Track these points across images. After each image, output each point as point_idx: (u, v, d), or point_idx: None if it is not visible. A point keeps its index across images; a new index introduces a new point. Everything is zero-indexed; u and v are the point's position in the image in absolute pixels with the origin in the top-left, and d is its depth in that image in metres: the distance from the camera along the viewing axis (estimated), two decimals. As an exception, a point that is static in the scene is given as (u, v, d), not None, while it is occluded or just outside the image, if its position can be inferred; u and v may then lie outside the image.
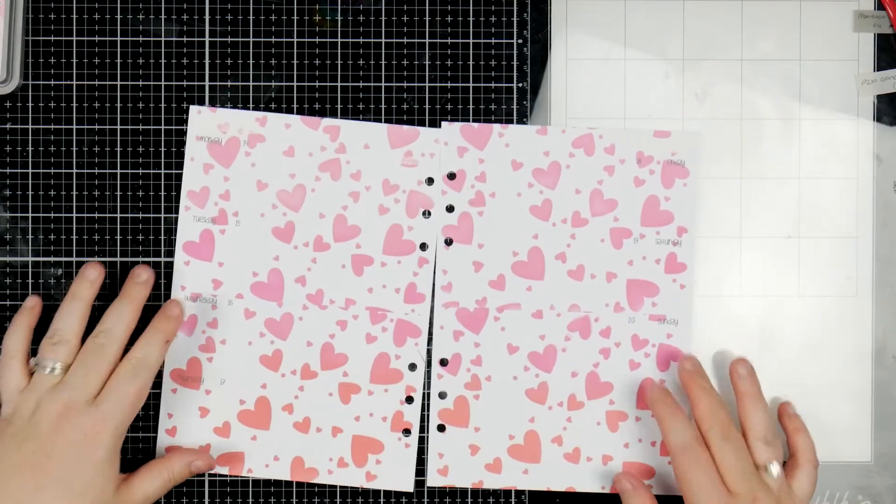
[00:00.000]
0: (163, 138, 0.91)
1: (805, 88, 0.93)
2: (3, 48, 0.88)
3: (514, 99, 0.92)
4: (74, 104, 0.91)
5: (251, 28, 0.92)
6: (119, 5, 0.91)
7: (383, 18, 0.92)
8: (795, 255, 0.93)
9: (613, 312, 0.91)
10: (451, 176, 0.91)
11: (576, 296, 0.91)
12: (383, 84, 0.92)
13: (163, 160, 0.91)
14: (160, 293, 0.91)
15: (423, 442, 0.92)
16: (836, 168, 0.93)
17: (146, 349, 0.85)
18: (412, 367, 0.91)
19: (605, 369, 0.91)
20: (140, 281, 0.88)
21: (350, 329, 0.91)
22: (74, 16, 0.91)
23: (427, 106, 0.92)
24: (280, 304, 0.91)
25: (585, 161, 0.91)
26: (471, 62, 0.92)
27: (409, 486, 0.92)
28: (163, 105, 0.91)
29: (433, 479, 0.92)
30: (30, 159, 0.91)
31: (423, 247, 0.91)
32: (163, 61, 0.91)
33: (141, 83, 0.91)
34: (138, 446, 0.92)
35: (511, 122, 0.92)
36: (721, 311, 0.93)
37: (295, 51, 0.92)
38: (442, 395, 0.92)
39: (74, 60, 0.91)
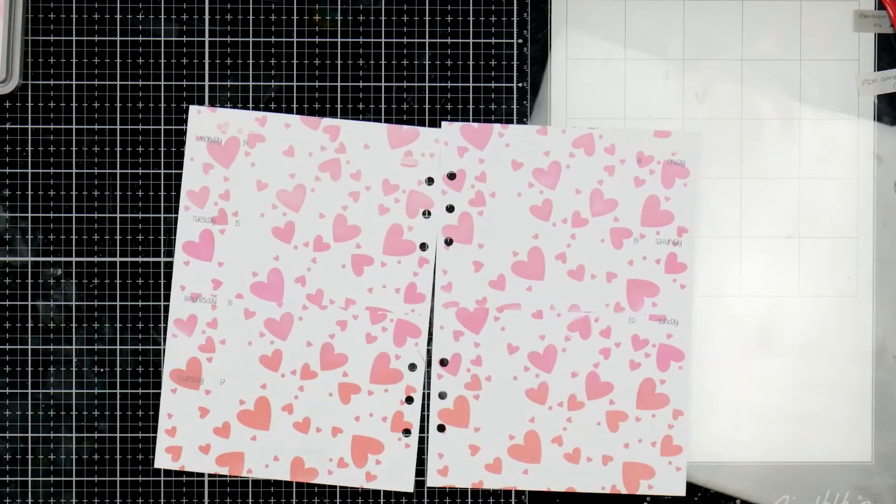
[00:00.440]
0: (162, 138, 0.91)
1: (805, 88, 0.93)
2: (3, 48, 0.88)
3: (514, 99, 0.92)
4: (74, 104, 0.91)
5: (251, 28, 0.92)
6: (119, 5, 0.91)
7: (383, 18, 0.92)
8: (795, 255, 0.93)
9: (613, 312, 0.91)
10: (451, 176, 0.91)
11: (576, 296, 0.91)
12: (383, 84, 0.92)
13: (162, 160, 0.91)
14: (160, 293, 0.91)
15: (423, 442, 0.92)
16: (836, 168, 0.93)
17: None
18: (412, 367, 0.91)
19: (605, 369, 0.91)
20: None
21: (350, 329, 0.91)
22: (74, 16, 0.91)
23: (427, 106, 0.92)
24: (280, 304, 0.91)
25: (585, 161, 0.91)
26: (471, 62, 0.92)
27: (409, 487, 0.92)
28: (163, 105, 0.91)
29: (433, 480, 0.92)
30: (29, 159, 0.91)
31: (423, 247, 0.91)
32: (163, 61, 0.91)
33: (141, 83, 0.91)
34: (138, 447, 0.92)
35: (511, 122, 0.92)
36: (721, 311, 0.93)
37: (295, 51, 0.92)
38: (442, 395, 0.92)
39: (74, 60, 0.91)
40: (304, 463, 0.92)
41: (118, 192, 0.91)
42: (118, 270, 0.92)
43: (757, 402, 0.93)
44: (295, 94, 0.92)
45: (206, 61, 0.92)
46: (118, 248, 0.91)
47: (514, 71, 0.92)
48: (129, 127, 0.91)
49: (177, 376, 0.91)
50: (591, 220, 0.91)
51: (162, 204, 0.91)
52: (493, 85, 0.92)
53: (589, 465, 0.92)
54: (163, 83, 0.91)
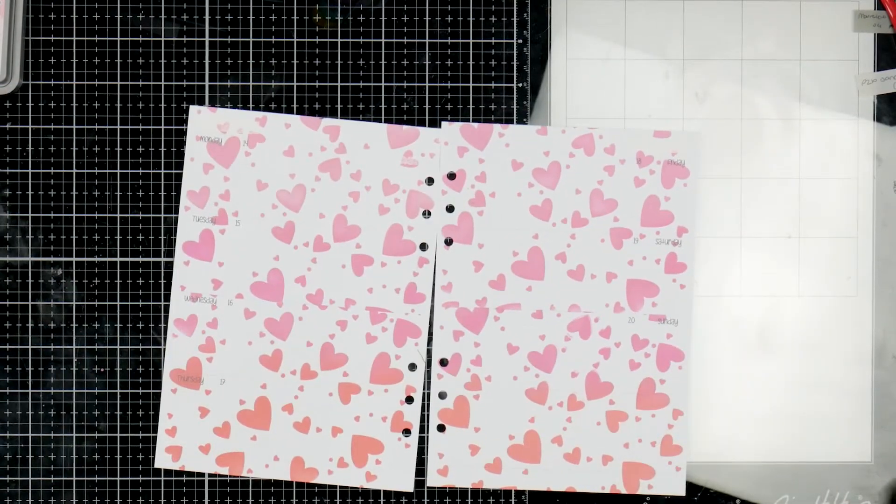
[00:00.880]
0: (163, 138, 0.91)
1: (805, 88, 0.93)
2: (3, 48, 0.88)
3: (514, 99, 0.92)
4: (74, 104, 0.91)
5: (251, 28, 0.92)
6: (119, 5, 0.91)
7: (383, 18, 0.92)
8: (795, 255, 0.93)
9: (613, 312, 0.91)
10: (451, 176, 0.91)
11: (576, 296, 0.91)
12: (383, 84, 0.92)
13: (163, 160, 0.91)
14: (160, 293, 0.91)
15: (423, 442, 0.92)
16: (836, 168, 0.93)
17: None
18: (412, 367, 0.91)
19: (605, 369, 0.91)
20: None
21: (350, 329, 0.91)
22: (74, 16, 0.91)
23: (427, 106, 0.92)
24: (280, 304, 0.91)
25: (585, 161, 0.91)
26: (471, 62, 0.92)
27: (409, 486, 0.92)
28: (163, 105, 0.91)
29: (433, 479, 0.92)
30: (29, 159, 0.91)
31: (423, 247, 0.91)
32: (163, 61, 0.91)
33: (141, 83, 0.91)
34: (138, 447, 0.92)
35: (511, 122, 0.92)
36: (721, 311, 0.93)
37: (295, 51, 0.92)
38: (442, 395, 0.92)
39: (74, 60, 0.91)
40: (304, 463, 0.92)
41: (118, 192, 0.91)
42: (118, 270, 0.92)
43: (757, 402, 0.93)
44: (295, 94, 0.92)
45: (206, 61, 0.92)
46: (118, 248, 0.91)
47: (514, 71, 0.92)
48: (129, 127, 0.91)
49: (177, 376, 0.91)
50: (591, 220, 0.91)
51: (162, 204, 0.91)
52: (493, 85, 0.92)
53: (589, 465, 0.92)
54: (163, 83, 0.91)
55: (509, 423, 0.92)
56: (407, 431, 0.92)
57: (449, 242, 0.91)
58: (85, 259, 0.91)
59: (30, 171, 0.91)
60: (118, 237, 0.91)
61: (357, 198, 0.91)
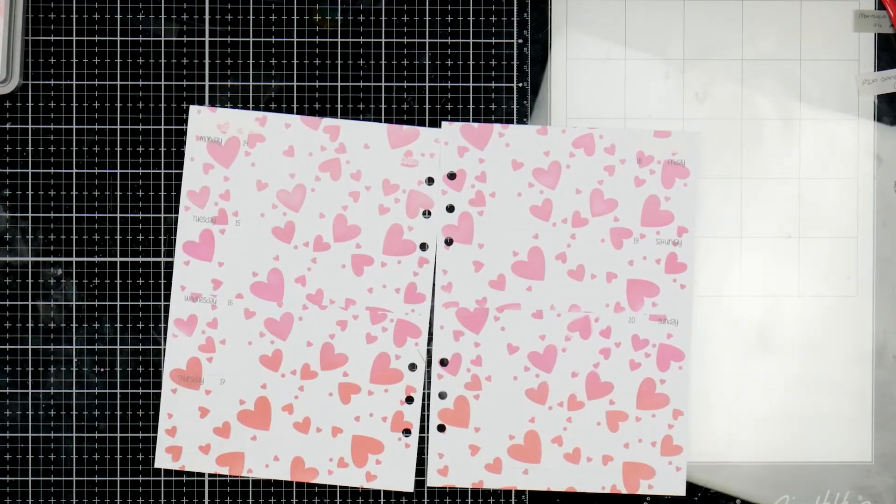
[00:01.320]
0: (163, 138, 0.91)
1: (805, 88, 0.93)
2: (3, 48, 0.88)
3: (514, 99, 0.92)
4: (74, 104, 0.91)
5: (251, 28, 0.92)
6: (119, 5, 0.91)
7: (383, 18, 0.92)
8: (795, 255, 0.93)
9: (613, 312, 0.91)
10: (452, 176, 0.91)
11: (576, 296, 0.91)
12: (383, 84, 0.92)
13: (163, 160, 0.91)
14: (160, 293, 0.91)
15: (423, 442, 0.92)
16: (836, 168, 0.93)
17: None
18: (412, 367, 0.91)
19: (605, 369, 0.91)
20: None
21: (350, 329, 0.91)
22: (74, 16, 0.91)
23: (427, 106, 0.92)
24: (280, 304, 0.91)
25: (585, 161, 0.91)
26: (471, 62, 0.92)
27: (409, 486, 0.92)
28: (163, 105, 0.91)
29: (433, 479, 0.92)
30: (29, 159, 0.91)
31: (424, 247, 0.91)
32: (163, 61, 0.91)
33: (141, 83, 0.91)
34: (138, 447, 0.92)
35: (511, 122, 0.92)
36: (721, 311, 0.93)
37: (295, 51, 0.92)
38: (442, 395, 0.92)
39: (74, 60, 0.91)
40: (305, 463, 0.92)
41: (118, 192, 0.91)
42: (118, 270, 0.92)
43: (757, 402, 0.93)
44: (295, 94, 0.92)
45: (206, 61, 0.92)
46: (118, 248, 0.91)
47: (514, 71, 0.92)
48: (129, 127, 0.91)
49: (177, 376, 0.91)
50: (591, 220, 0.91)
51: (162, 204, 0.91)
52: (493, 85, 0.92)
53: (589, 465, 0.92)
54: (163, 83, 0.91)
55: (509, 423, 0.92)
56: (407, 431, 0.92)
57: (449, 242, 0.91)
58: (85, 259, 0.91)
59: (30, 171, 0.91)
60: (118, 237, 0.91)
61: (357, 198, 0.91)
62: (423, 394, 0.92)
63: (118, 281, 0.92)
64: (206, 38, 0.92)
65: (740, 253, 0.93)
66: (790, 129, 0.93)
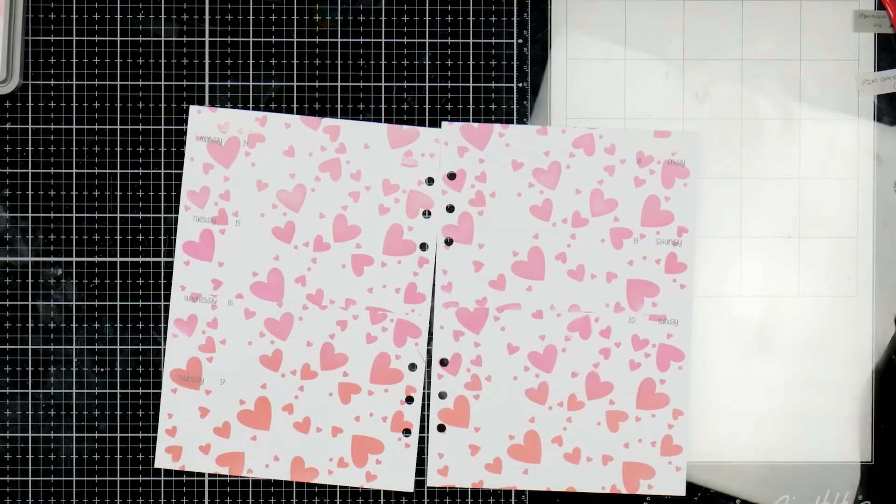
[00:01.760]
0: (163, 138, 0.91)
1: (805, 88, 0.93)
2: (3, 48, 0.88)
3: (514, 99, 0.92)
4: (74, 104, 0.91)
5: (251, 28, 0.92)
6: (119, 5, 0.91)
7: (383, 18, 0.92)
8: (795, 255, 0.93)
9: (613, 312, 0.91)
10: (451, 176, 0.91)
11: (576, 296, 0.91)
12: (383, 84, 0.92)
13: (163, 160, 0.91)
14: (160, 293, 0.91)
15: (423, 442, 0.92)
16: (836, 168, 0.93)
17: None
18: (412, 367, 0.91)
19: (605, 369, 0.91)
20: None
21: (350, 329, 0.91)
22: (74, 16, 0.91)
23: (427, 106, 0.92)
24: (280, 304, 0.91)
25: (585, 161, 0.91)
26: (471, 62, 0.92)
27: (409, 486, 0.92)
28: (163, 105, 0.91)
29: (433, 479, 0.92)
30: (29, 159, 0.91)
31: (424, 247, 0.91)
32: (163, 61, 0.91)
33: (141, 83, 0.91)
34: (138, 446, 0.92)
35: (511, 122, 0.92)
36: (721, 311, 0.93)
37: (295, 51, 0.92)
38: (442, 395, 0.92)
39: (74, 60, 0.91)
40: (305, 463, 0.92)
41: (118, 192, 0.91)
42: (118, 270, 0.92)
43: (757, 402, 0.93)
44: (295, 94, 0.92)
45: (206, 61, 0.92)
46: (118, 248, 0.91)
47: (514, 71, 0.92)
48: (129, 127, 0.91)
49: (177, 376, 0.91)
50: (591, 220, 0.91)
51: (162, 204, 0.91)
52: (493, 85, 0.92)
53: (589, 465, 0.92)
54: (163, 83, 0.91)
55: (509, 423, 0.92)
56: (407, 431, 0.92)
57: (449, 242, 0.91)
58: (85, 259, 0.91)
59: (30, 171, 0.91)
60: (118, 237, 0.91)
61: (357, 198, 0.91)
62: (423, 394, 0.92)
63: (118, 281, 0.92)
64: (206, 38, 0.92)
65: (740, 253, 0.93)
66: (790, 129, 0.93)
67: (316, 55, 0.92)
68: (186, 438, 0.91)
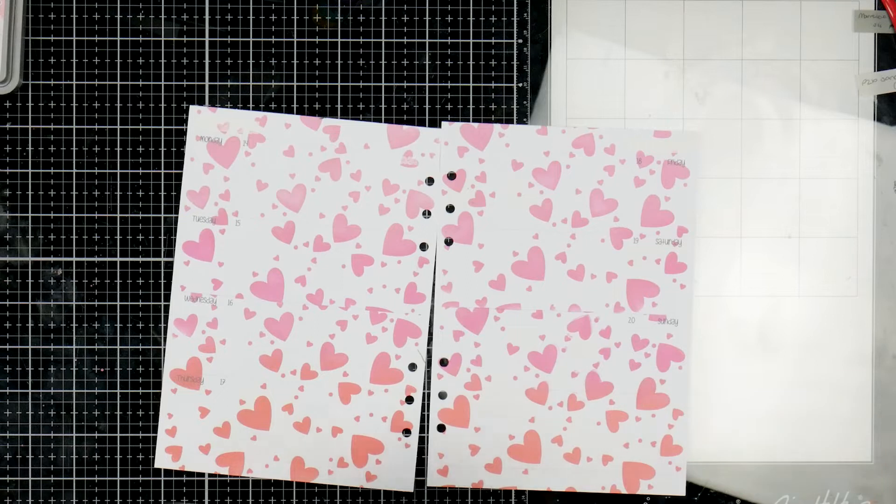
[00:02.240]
0: (163, 138, 0.91)
1: (805, 88, 0.93)
2: (3, 48, 0.88)
3: (514, 99, 0.92)
4: (74, 104, 0.91)
5: (251, 28, 0.92)
6: (119, 5, 0.91)
7: (383, 18, 0.92)
8: (795, 255, 0.93)
9: (613, 312, 0.91)
10: (451, 176, 0.91)
11: (576, 296, 0.91)
12: (383, 84, 0.92)
13: (163, 160, 0.91)
14: (160, 293, 0.91)
15: (423, 442, 0.92)
16: (836, 168, 0.93)
17: None
18: (412, 367, 0.91)
19: (605, 369, 0.91)
20: None
21: (350, 329, 0.91)
22: (74, 16, 0.91)
23: (427, 106, 0.92)
24: (280, 304, 0.91)
25: (585, 161, 0.91)
26: (471, 62, 0.92)
27: (409, 487, 0.92)
28: (163, 105, 0.91)
29: (433, 479, 0.92)
30: (29, 159, 0.91)
31: (423, 247, 0.91)
32: (163, 61, 0.91)
33: (141, 83, 0.91)
34: (138, 446, 0.92)
35: (511, 122, 0.92)
36: (721, 311, 0.93)
37: (295, 51, 0.92)
38: (442, 395, 0.92)
39: (74, 60, 0.91)
40: (305, 463, 0.92)
41: (118, 192, 0.91)
42: (118, 270, 0.92)
43: (757, 402, 0.93)
44: (295, 94, 0.92)
45: (206, 61, 0.92)
46: (118, 248, 0.91)
47: (514, 71, 0.92)
48: (129, 127, 0.91)
49: (177, 376, 0.91)
50: (591, 220, 0.91)
51: (162, 204, 0.91)
52: (493, 85, 0.92)
53: (589, 464, 0.92)
54: (163, 83, 0.91)
55: (509, 423, 0.92)
56: (407, 431, 0.92)
57: (449, 242, 0.91)
58: (85, 259, 0.91)
59: (30, 171, 0.91)
60: (118, 237, 0.91)
61: (357, 198, 0.91)
62: (423, 394, 0.92)
63: (118, 281, 0.92)
64: (206, 38, 0.92)
65: (740, 253, 0.93)
66: (790, 129, 0.93)
67: (316, 55, 0.92)
68: (186, 438, 0.91)
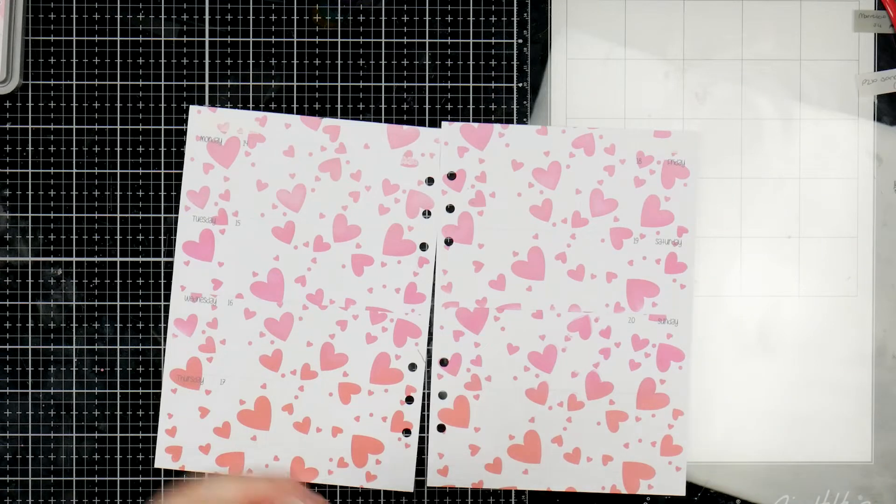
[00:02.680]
0: (163, 138, 0.91)
1: (805, 88, 0.93)
2: (3, 48, 0.88)
3: (514, 99, 0.92)
4: (74, 104, 0.91)
5: (251, 28, 0.92)
6: (119, 5, 0.91)
7: (383, 18, 0.92)
8: (795, 255, 0.93)
9: (613, 312, 0.91)
10: (451, 176, 0.91)
11: (576, 296, 0.91)
12: (383, 84, 0.92)
13: (163, 160, 0.91)
14: (160, 293, 0.91)
15: (423, 442, 0.92)
16: (836, 168, 0.93)
17: None
18: (412, 367, 0.91)
19: (605, 369, 0.91)
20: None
21: (350, 329, 0.91)
22: (74, 16, 0.91)
23: (427, 106, 0.92)
24: (280, 304, 0.91)
25: (585, 161, 0.91)
26: (471, 62, 0.92)
27: (409, 486, 0.92)
28: (163, 105, 0.91)
29: (433, 479, 0.92)
30: (29, 159, 0.91)
31: (423, 247, 0.91)
32: (163, 61, 0.91)
33: (141, 83, 0.91)
34: (138, 446, 0.92)
35: (511, 122, 0.92)
36: (721, 311, 0.93)
37: (295, 51, 0.92)
38: (442, 395, 0.92)
39: (74, 60, 0.91)
40: (305, 463, 0.92)
41: (118, 192, 0.91)
42: (118, 270, 0.92)
43: (757, 402, 0.93)
44: (295, 94, 0.92)
45: (206, 61, 0.92)
46: (118, 248, 0.91)
47: (514, 71, 0.92)
48: (129, 127, 0.91)
49: (177, 376, 0.91)
50: (591, 220, 0.91)
51: (162, 204, 0.91)
52: (493, 85, 0.92)
53: (589, 465, 0.92)
54: (163, 83, 0.91)
55: (509, 423, 0.92)
56: (407, 431, 0.92)
57: (449, 242, 0.91)
58: (85, 259, 0.91)
59: (30, 171, 0.91)
60: (118, 237, 0.91)
61: (357, 198, 0.91)
62: (423, 394, 0.92)
63: (118, 281, 0.91)
64: (206, 38, 0.92)
65: (740, 253, 0.93)
66: (790, 129, 0.93)
67: (316, 55, 0.92)
68: (186, 438, 0.91)
